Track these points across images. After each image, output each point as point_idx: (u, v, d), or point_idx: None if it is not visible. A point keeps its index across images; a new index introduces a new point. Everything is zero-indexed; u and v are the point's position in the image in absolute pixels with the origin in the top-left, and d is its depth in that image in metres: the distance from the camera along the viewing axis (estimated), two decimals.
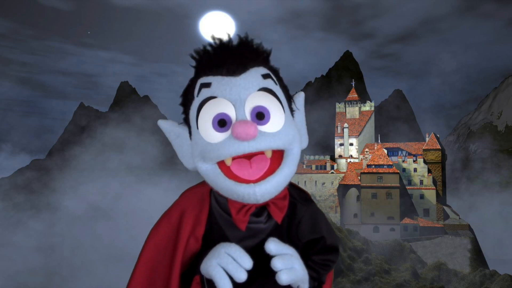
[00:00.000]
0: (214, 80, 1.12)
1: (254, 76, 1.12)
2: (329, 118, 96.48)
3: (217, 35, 1.14)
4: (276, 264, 1.09)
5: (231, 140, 1.07)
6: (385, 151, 65.80)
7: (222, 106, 1.10)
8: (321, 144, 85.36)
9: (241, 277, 1.07)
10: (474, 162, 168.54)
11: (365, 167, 63.80)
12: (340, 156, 73.07)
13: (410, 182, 65.69)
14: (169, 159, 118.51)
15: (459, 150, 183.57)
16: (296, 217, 1.26)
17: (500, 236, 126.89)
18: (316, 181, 68.42)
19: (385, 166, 62.77)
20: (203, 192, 1.26)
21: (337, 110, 79.17)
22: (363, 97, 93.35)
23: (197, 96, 1.14)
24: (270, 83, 1.14)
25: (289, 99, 1.22)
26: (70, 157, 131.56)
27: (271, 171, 1.11)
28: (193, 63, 1.17)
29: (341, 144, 73.98)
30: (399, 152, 68.91)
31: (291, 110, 1.22)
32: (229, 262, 1.07)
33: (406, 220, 61.45)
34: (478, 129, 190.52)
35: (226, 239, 1.18)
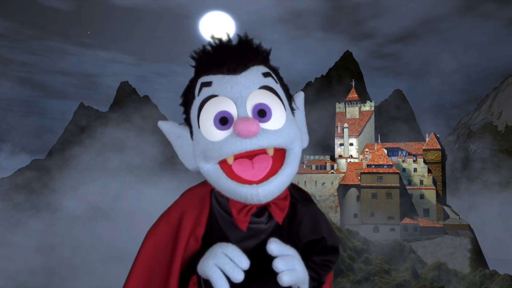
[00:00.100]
0: (215, 78, 1.12)
1: (255, 74, 1.13)
2: (329, 118, 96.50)
3: (217, 35, 1.14)
4: (277, 265, 1.09)
5: (233, 138, 1.07)
6: (385, 151, 65.81)
7: (223, 104, 1.10)
8: (321, 144, 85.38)
9: (238, 277, 1.06)
10: (474, 162, 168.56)
11: (365, 167, 63.80)
12: (340, 156, 73.08)
13: (410, 182, 65.69)
14: (169, 159, 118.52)
15: (459, 150, 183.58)
16: (296, 218, 1.26)
17: (500, 236, 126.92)
18: (316, 181, 68.42)
19: (385, 166, 62.77)
20: (203, 192, 1.26)
21: (337, 110, 79.18)
22: (363, 97, 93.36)
23: (198, 95, 1.14)
24: (270, 82, 1.15)
25: (290, 98, 1.23)
26: (70, 157, 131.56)
27: (273, 171, 1.11)
28: (193, 63, 1.17)
29: (341, 144, 73.99)
30: (399, 152, 68.91)
31: (292, 109, 1.23)
32: (226, 262, 1.07)
33: (406, 220, 61.46)
34: (478, 129, 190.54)
35: (226, 239, 1.17)
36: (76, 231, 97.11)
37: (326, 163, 70.03)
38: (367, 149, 69.67)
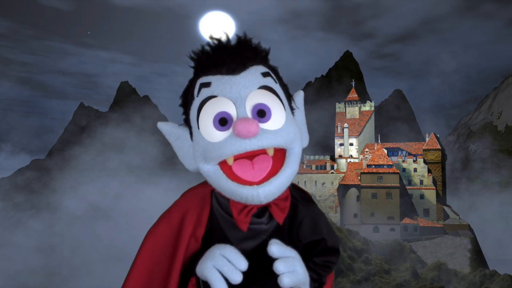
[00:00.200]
0: (214, 79, 1.12)
1: (254, 74, 1.12)
2: (329, 118, 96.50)
3: (215, 35, 1.14)
4: (278, 267, 1.08)
5: (232, 139, 1.06)
6: (385, 151, 65.81)
7: (222, 105, 1.09)
8: (321, 144, 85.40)
9: (236, 279, 1.06)
10: (474, 162, 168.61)
11: (365, 167, 63.81)
12: (340, 156, 73.09)
13: (410, 182, 65.70)
14: (169, 159, 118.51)
15: (459, 150, 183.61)
16: (297, 218, 1.25)
17: (500, 236, 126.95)
18: (316, 181, 68.43)
19: (385, 166, 62.78)
20: (204, 192, 1.25)
21: (337, 110, 79.19)
22: (363, 97, 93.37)
23: (197, 96, 1.14)
24: (270, 81, 1.14)
25: (289, 97, 1.22)
26: (70, 157, 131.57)
27: (273, 171, 1.11)
28: (192, 63, 1.17)
29: (341, 144, 73.99)
30: (399, 152, 68.92)
31: (291, 109, 1.22)
32: (224, 264, 1.07)
33: (406, 220, 61.46)
34: (478, 129, 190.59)
35: (226, 239, 1.17)
36: (76, 231, 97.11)
37: (326, 163, 70.04)
38: (367, 149, 69.69)
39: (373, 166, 63.14)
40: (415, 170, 66.17)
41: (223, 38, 1.13)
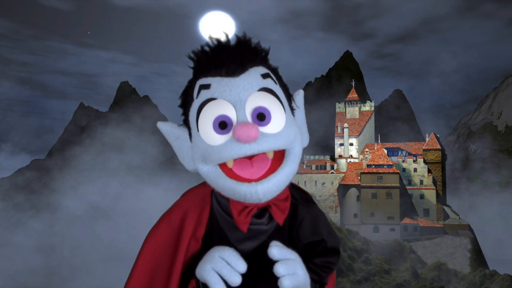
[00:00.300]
0: (214, 81, 1.11)
1: (254, 76, 1.11)
2: (329, 118, 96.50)
3: (215, 36, 1.13)
4: (279, 269, 1.09)
5: (232, 143, 1.06)
6: (385, 151, 65.82)
7: (222, 108, 1.09)
8: (321, 144, 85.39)
9: (235, 281, 1.06)
10: (474, 162, 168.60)
11: (365, 167, 63.80)
12: (340, 156, 73.08)
13: (410, 182, 65.69)
14: (169, 159, 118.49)
15: (459, 150, 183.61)
16: (297, 219, 1.25)
17: (500, 236, 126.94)
18: (316, 181, 68.43)
19: (385, 166, 62.78)
20: (204, 193, 1.25)
21: (337, 110, 79.19)
22: (363, 97, 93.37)
23: (196, 97, 1.13)
24: (269, 83, 1.13)
25: (289, 98, 1.22)
26: (70, 157, 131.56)
27: (272, 169, 1.11)
28: (192, 64, 1.16)
29: (341, 144, 73.99)
30: (399, 152, 68.92)
31: (292, 109, 1.21)
32: (223, 266, 1.07)
33: (406, 220, 61.46)
34: (478, 129, 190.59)
35: (226, 240, 1.17)
36: (76, 231, 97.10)
37: (326, 163, 70.03)
38: (367, 149, 69.68)
39: (373, 166, 63.15)
40: (415, 170, 66.17)
41: (223, 39, 1.12)
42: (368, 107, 77.68)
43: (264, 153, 1.10)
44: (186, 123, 1.20)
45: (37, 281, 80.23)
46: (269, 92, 1.12)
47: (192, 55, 1.14)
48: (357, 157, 71.20)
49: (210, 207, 1.23)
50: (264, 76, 1.13)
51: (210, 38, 1.13)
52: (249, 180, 1.08)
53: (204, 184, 1.24)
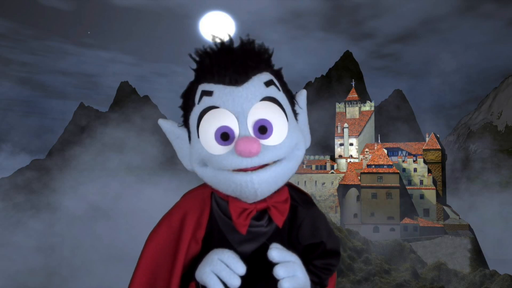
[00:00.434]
0: (216, 88, 1.10)
1: (257, 85, 1.10)
2: (329, 118, 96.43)
3: (219, 37, 1.12)
4: (278, 272, 1.09)
5: (233, 155, 1.06)
6: (385, 151, 65.81)
7: (224, 118, 1.08)
8: (321, 144, 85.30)
9: (234, 283, 1.07)
10: (474, 162, 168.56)
11: (365, 167, 63.80)
12: (340, 156, 73.07)
13: (410, 182, 65.69)
14: (169, 159, 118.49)
15: (459, 150, 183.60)
16: (297, 220, 1.25)
17: (500, 236, 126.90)
18: (316, 181, 68.42)
19: (385, 166, 62.77)
20: (204, 194, 1.25)
21: (337, 110, 79.18)
22: (363, 97, 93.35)
23: (198, 103, 1.12)
24: (273, 91, 1.12)
25: (293, 103, 1.21)
26: (70, 157, 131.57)
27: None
28: (194, 65, 1.15)
29: (341, 144, 73.99)
30: (399, 152, 68.91)
31: (295, 113, 1.21)
32: (222, 268, 1.08)
33: (406, 220, 61.45)
34: (478, 129, 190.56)
35: (226, 242, 1.18)
36: (76, 231, 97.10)
37: (326, 163, 70.02)
38: (367, 149, 69.67)
39: (373, 166, 63.14)
40: (415, 170, 66.17)
41: (226, 42, 1.11)
42: (368, 107, 77.68)
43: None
44: (186, 124, 1.20)
45: (37, 281, 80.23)
46: (272, 101, 1.11)
47: (195, 56, 1.13)
48: (357, 157, 71.19)
49: (209, 208, 1.23)
50: (267, 84, 1.12)
51: (214, 39, 1.12)
52: (245, 170, 1.08)
53: (204, 186, 1.25)
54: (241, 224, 1.15)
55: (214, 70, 1.10)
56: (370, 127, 75.67)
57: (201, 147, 1.12)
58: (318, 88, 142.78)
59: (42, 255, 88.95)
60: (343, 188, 65.04)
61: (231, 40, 1.12)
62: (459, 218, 66.29)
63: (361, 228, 59.44)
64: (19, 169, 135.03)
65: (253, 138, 1.04)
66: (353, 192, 64.17)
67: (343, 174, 67.56)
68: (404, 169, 65.85)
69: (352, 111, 77.37)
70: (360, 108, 77.43)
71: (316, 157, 71.85)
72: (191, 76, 1.17)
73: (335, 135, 75.44)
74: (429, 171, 66.02)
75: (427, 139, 69.20)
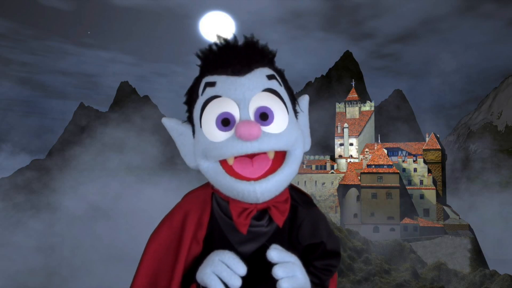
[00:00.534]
0: (219, 79, 1.13)
1: (259, 76, 1.13)
2: (329, 118, 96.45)
3: (223, 35, 1.14)
4: (277, 272, 1.10)
5: (234, 140, 1.08)
6: (385, 151, 65.81)
7: (226, 106, 1.11)
8: (321, 144, 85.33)
9: (235, 283, 1.08)
10: (474, 162, 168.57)
11: (365, 167, 63.80)
12: (340, 156, 73.08)
13: (410, 182, 65.69)
14: (169, 159, 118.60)
15: (459, 150, 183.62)
16: (297, 220, 1.26)
17: (500, 236, 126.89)
18: (316, 181, 68.41)
19: (385, 166, 62.78)
20: (204, 194, 1.26)
21: (337, 110, 79.18)
22: (363, 97, 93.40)
23: (201, 95, 1.15)
24: (274, 84, 1.15)
25: (294, 101, 1.23)
26: (70, 157, 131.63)
27: (272, 170, 1.12)
28: (198, 62, 1.18)
29: (341, 144, 73.99)
30: (399, 152, 68.92)
31: (295, 112, 1.23)
32: (223, 269, 1.08)
33: (406, 220, 61.46)
34: (478, 129, 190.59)
35: (227, 242, 1.19)
36: (76, 231, 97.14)
37: (326, 163, 70.03)
38: (367, 149, 69.68)
39: (373, 166, 63.15)
40: (415, 170, 66.17)
41: (231, 38, 1.14)
42: (368, 107, 77.69)
43: (265, 153, 1.12)
44: (190, 120, 1.22)
45: (37, 281, 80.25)
46: (273, 93, 1.13)
47: (199, 53, 1.16)
48: (357, 157, 71.20)
49: (210, 209, 1.24)
50: (270, 77, 1.15)
51: (218, 37, 1.14)
52: (248, 179, 1.09)
53: (205, 186, 1.27)
54: (242, 224, 1.16)
55: (217, 62, 1.13)
56: (370, 127, 75.67)
57: (203, 136, 1.14)
58: (318, 88, 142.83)
59: (42, 255, 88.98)
60: (343, 188, 65.05)
61: (235, 38, 1.14)
62: (459, 218, 66.29)
63: (361, 228, 59.43)
64: (19, 169, 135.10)
65: (253, 122, 1.07)
66: (353, 192, 64.18)
67: (343, 174, 67.57)
68: (404, 169, 65.86)
69: (352, 111, 77.38)
70: (360, 108, 77.43)
71: (316, 157, 71.85)
72: (191, 76, 1.18)
73: (335, 135, 75.45)
74: (429, 171, 66.03)
75: (427, 139, 69.20)
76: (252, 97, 1.10)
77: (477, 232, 65.49)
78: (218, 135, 1.11)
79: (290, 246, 1.20)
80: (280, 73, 1.21)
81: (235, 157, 1.11)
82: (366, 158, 66.39)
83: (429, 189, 65.31)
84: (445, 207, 66.38)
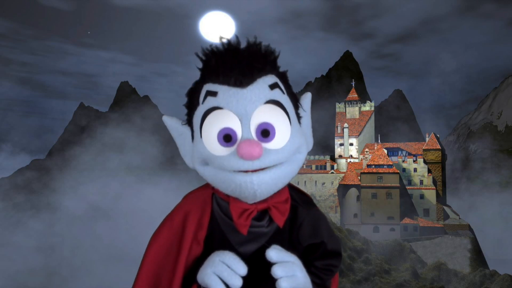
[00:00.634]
0: (221, 89, 1.10)
1: (261, 87, 1.10)
2: (329, 118, 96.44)
3: (225, 38, 1.12)
4: (276, 271, 1.10)
5: (235, 156, 1.07)
6: (385, 151, 65.80)
7: (227, 120, 1.08)
8: (321, 144, 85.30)
9: (236, 283, 1.08)
10: (474, 162, 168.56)
11: (365, 167, 63.80)
12: (340, 156, 73.07)
13: (410, 182, 65.69)
14: (169, 159, 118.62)
15: (459, 150, 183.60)
16: (297, 221, 1.25)
17: (500, 236, 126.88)
18: (316, 181, 68.41)
19: (385, 166, 62.78)
20: (205, 195, 1.26)
21: (337, 110, 79.18)
22: (363, 97, 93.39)
23: (202, 103, 1.13)
24: (277, 94, 1.13)
25: (296, 106, 1.21)
26: (70, 157, 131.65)
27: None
28: (198, 62, 1.15)
29: (341, 144, 73.99)
30: (399, 152, 68.91)
31: (298, 116, 1.21)
32: (223, 270, 1.09)
33: (406, 220, 61.46)
34: (478, 129, 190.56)
35: (227, 243, 1.19)
36: (76, 231, 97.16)
37: (326, 163, 70.02)
38: (367, 149, 69.67)
39: (373, 166, 63.14)
40: (415, 170, 66.17)
41: (233, 42, 1.11)
42: (368, 107, 77.68)
43: None
44: (189, 123, 1.21)
45: (37, 281, 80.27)
46: (276, 104, 1.11)
47: (201, 55, 1.14)
48: (357, 157, 71.19)
49: (211, 209, 1.23)
50: (272, 86, 1.12)
51: (221, 39, 1.12)
52: (245, 171, 1.08)
53: (205, 187, 1.27)
54: (242, 225, 1.16)
55: (219, 70, 1.11)
56: (370, 127, 75.67)
57: (203, 147, 1.13)
58: (318, 88, 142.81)
59: (42, 255, 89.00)
60: (343, 188, 65.04)
61: (238, 40, 1.12)
62: (459, 218, 66.29)
63: (361, 228, 59.43)
64: (19, 169, 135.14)
65: (255, 141, 1.05)
66: (353, 192, 64.18)
67: (343, 174, 67.56)
68: (404, 169, 65.86)
69: (352, 111, 77.37)
70: (360, 108, 77.43)
71: (316, 157, 71.85)
72: (191, 76, 1.15)
73: (335, 135, 75.44)
74: (429, 171, 66.03)
75: (427, 139, 69.20)
76: (254, 111, 1.08)
77: (477, 232, 65.49)
78: (220, 150, 1.10)
79: (290, 246, 1.20)
80: (283, 77, 1.18)
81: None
82: (366, 158, 66.38)
83: (429, 189, 65.31)
84: (445, 207, 66.38)
